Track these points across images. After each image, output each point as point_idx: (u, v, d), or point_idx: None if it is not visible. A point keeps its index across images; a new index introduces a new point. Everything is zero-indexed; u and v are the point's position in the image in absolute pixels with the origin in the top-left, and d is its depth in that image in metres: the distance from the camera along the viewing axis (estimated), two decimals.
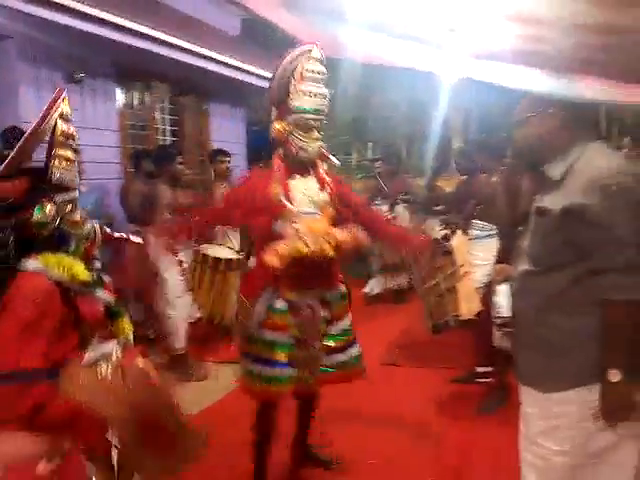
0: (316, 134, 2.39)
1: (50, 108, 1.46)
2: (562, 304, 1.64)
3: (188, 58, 5.44)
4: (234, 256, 3.98)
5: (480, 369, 3.74)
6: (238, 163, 6.35)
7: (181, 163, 4.53)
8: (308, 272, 2.32)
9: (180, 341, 4.18)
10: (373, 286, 6.39)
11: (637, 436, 1.62)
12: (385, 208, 6.44)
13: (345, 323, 2.57)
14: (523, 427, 1.80)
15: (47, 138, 1.49)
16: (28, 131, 1.46)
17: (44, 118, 1.45)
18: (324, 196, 2.44)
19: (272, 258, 2.24)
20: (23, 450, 1.31)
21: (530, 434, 1.75)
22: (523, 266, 1.76)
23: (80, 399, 1.27)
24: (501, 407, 3.30)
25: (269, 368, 2.38)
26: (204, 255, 4.06)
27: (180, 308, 4.13)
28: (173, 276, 4.11)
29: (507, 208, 3.28)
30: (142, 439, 1.32)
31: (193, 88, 6.39)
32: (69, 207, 1.49)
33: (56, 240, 1.46)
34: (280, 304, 2.38)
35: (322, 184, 2.46)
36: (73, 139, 1.51)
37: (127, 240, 2.17)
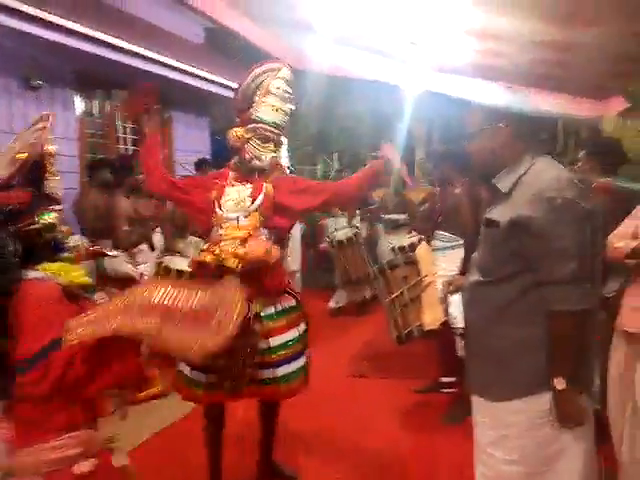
0: (272, 147, 2.49)
1: (43, 129, 1.69)
2: (511, 315, 1.67)
3: (150, 66, 5.36)
4: None
5: (444, 379, 3.77)
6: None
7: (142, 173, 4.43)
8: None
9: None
10: (338, 299, 6.40)
11: (580, 439, 1.65)
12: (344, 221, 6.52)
13: (287, 337, 2.48)
14: (475, 437, 1.81)
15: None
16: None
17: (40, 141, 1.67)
18: (256, 203, 2.43)
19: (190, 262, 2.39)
20: (64, 453, 1.41)
21: (481, 444, 1.77)
22: (473, 277, 1.79)
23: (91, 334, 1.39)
24: (466, 417, 3.31)
25: (188, 370, 2.41)
26: (166, 267, 3.98)
27: None
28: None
29: (471, 218, 3.33)
30: None
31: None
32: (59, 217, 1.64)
33: (52, 248, 1.59)
34: None
35: (257, 191, 2.45)
36: (55, 157, 1.69)
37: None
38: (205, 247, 2.40)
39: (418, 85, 3.99)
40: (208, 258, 2.26)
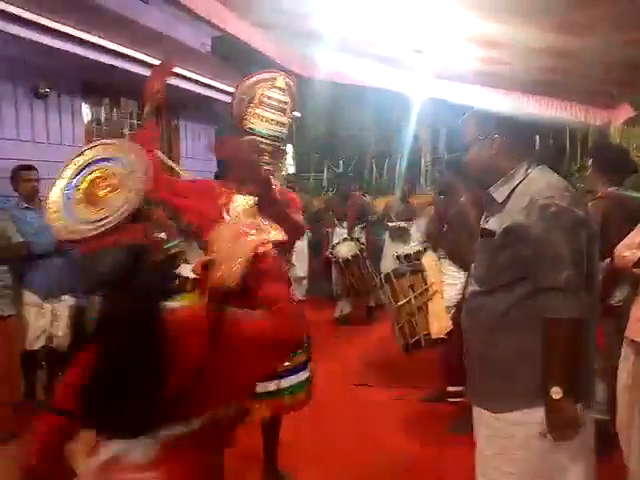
0: (267, 158, 2.39)
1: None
2: (508, 324, 1.66)
3: None
4: None
5: (451, 388, 3.74)
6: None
7: None
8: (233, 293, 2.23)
9: None
10: (342, 307, 6.37)
11: (579, 452, 1.63)
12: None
13: None
14: (477, 449, 1.80)
15: None
16: None
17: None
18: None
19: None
20: None
21: (482, 456, 1.75)
22: (471, 287, 1.80)
23: None
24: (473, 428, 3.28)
25: None
26: None
27: None
28: None
29: (476, 226, 3.30)
30: None
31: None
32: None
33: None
34: None
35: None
36: None
37: None
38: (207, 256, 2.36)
39: (423, 92, 3.99)
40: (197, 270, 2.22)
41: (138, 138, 2.24)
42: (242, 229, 1.46)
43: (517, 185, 1.69)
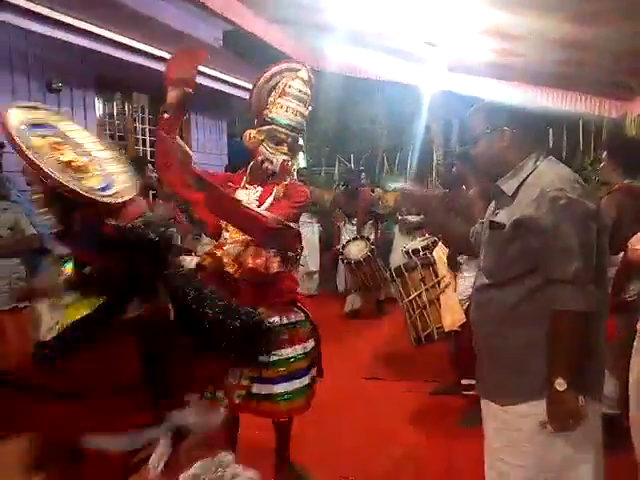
0: (285, 149, 2.38)
1: None
2: (517, 317, 1.66)
3: None
4: None
5: (465, 381, 3.73)
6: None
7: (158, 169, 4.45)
8: (230, 289, 2.14)
9: None
10: (352, 302, 6.36)
11: (586, 446, 1.63)
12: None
13: (290, 352, 2.37)
14: (486, 442, 1.80)
15: None
16: None
17: None
18: (262, 208, 2.32)
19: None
20: None
21: (492, 449, 1.76)
22: (481, 280, 1.79)
23: None
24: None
25: None
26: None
27: None
28: None
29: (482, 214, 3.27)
30: None
31: None
32: None
33: None
34: None
35: (266, 195, 2.37)
36: None
37: None
38: (209, 250, 2.33)
39: (435, 85, 3.97)
40: (207, 261, 2.20)
41: (162, 123, 2.18)
42: None
43: (526, 178, 1.68)
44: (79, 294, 1.37)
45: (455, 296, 3.52)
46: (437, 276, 3.60)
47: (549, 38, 1.88)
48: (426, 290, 3.59)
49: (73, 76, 4.96)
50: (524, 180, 1.68)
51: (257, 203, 2.36)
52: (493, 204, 1.84)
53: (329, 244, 7.20)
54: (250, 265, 2.21)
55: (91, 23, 4.31)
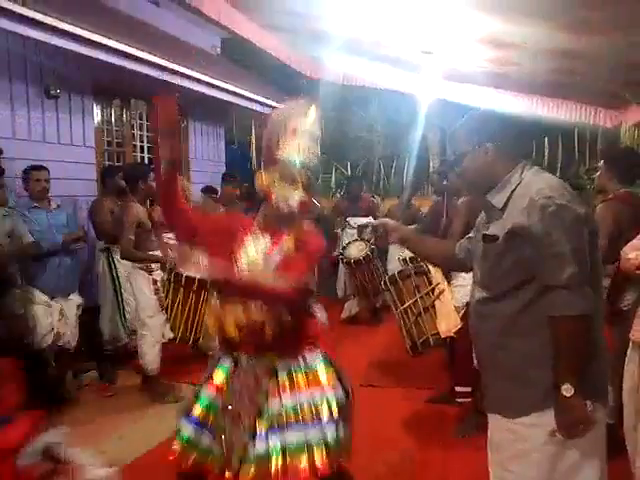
0: (299, 190, 2.17)
1: None
2: (517, 328, 1.67)
3: (167, 76, 5.42)
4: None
5: (459, 389, 3.73)
6: (217, 181, 6.32)
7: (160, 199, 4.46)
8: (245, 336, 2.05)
9: (153, 362, 4.08)
10: (350, 308, 6.36)
11: (593, 454, 1.64)
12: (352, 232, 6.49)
13: (301, 398, 2.13)
14: (492, 454, 1.80)
15: None
16: None
17: None
18: (268, 261, 2.14)
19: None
20: None
21: (499, 460, 1.75)
22: (478, 294, 1.79)
23: None
24: (478, 430, 3.26)
25: (186, 423, 2.07)
26: (177, 274, 4.01)
27: (153, 328, 4.04)
28: (146, 295, 4.04)
29: (461, 228, 3.24)
30: None
31: None
32: None
33: None
34: (226, 361, 2.14)
35: (272, 247, 2.18)
36: None
37: None
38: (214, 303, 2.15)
39: (431, 94, 3.99)
40: (210, 322, 2.11)
41: (165, 178, 2.08)
42: None
43: (514, 189, 1.70)
44: None
45: (450, 302, 3.53)
46: (431, 284, 3.61)
47: (544, 47, 1.89)
48: (420, 298, 3.59)
49: (71, 83, 4.97)
50: (512, 192, 1.70)
51: (262, 255, 2.15)
52: (484, 218, 1.86)
53: (328, 250, 7.20)
54: (252, 329, 2.05)
55: (89, 30, 4.32)
